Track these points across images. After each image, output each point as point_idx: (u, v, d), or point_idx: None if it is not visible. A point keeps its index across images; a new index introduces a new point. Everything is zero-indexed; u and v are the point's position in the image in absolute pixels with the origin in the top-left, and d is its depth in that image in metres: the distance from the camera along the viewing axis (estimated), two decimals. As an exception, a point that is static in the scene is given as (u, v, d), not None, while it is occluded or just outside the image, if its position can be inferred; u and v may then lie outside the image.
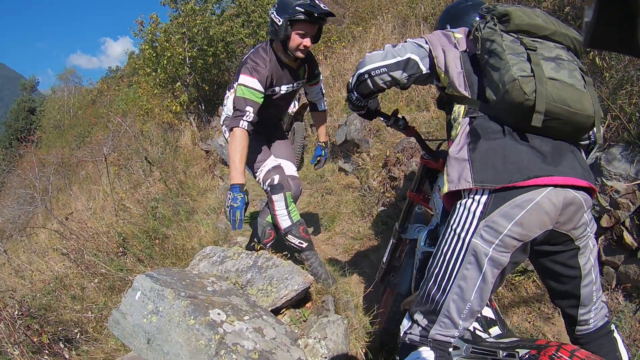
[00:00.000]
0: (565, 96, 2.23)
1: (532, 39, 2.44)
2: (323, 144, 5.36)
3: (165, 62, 12.36)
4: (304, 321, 4.05)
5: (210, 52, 13.06)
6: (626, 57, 4.47)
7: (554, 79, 2.26)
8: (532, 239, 2.32)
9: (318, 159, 5.35)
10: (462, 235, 2.38)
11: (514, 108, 2.29)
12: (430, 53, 2.74)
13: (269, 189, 4.66)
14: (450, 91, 2.68)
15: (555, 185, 2.25)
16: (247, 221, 6.15)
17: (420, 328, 2.56)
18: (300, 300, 4.19)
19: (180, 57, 12.47)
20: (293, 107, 9.77)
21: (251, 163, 4.74)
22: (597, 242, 2.88)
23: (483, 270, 2.35)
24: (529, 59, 2.32)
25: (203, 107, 13.83)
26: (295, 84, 4.80)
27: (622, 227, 3.79)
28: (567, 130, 2.35)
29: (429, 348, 2.50)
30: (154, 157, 10.73)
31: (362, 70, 2.95)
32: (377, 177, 6.82)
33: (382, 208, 6.50)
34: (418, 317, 2.58)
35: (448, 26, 2.98)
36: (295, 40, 4.32)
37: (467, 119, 2.53)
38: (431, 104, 6.89)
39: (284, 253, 4.68)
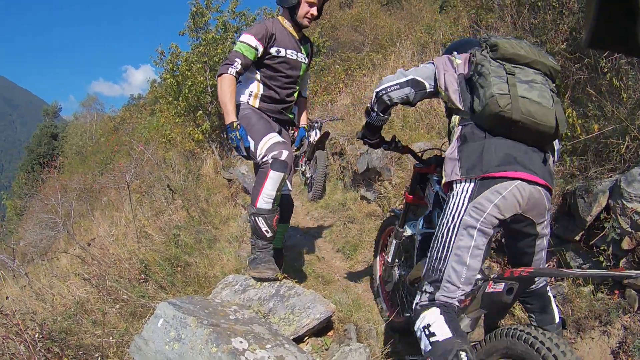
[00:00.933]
0: (533, 111, 2.90)
1: (513, 65, 3.11)
2: (305, 127, 5.59)
3: (186, 90, 12.46)
4: (326, 349, 4.07)
5: (232, 80, 12.89)
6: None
7: (525, 97, 2.93)
8: (505, 219, 2.98)
9: (302, 141, 5.58)
10: (455, 215, 3.05)
11: (492, 117, 2.96)
12: (435, 74, 3.38)
13: (270, 160, 4.45)
14: (450, 105, 3.37)
15: (524, 180, 2.92)
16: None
17: (427, 294, 3.15)
18: (322, 328, 4.22)
19: (201, 85, 12.56)
20: (315, 136, 9.77)
21: (256, 134, 4.65)
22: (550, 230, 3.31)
23: (474, 239, 2.99)
24: (507, 81, 2.99)
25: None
26: (299, 55, 4.96)
27: (644, 248, 3.78)
28: (533, 138, 3.02)
29: (435, 307, 3.04)
30: (176, 185, 10.77)
31: (379, 89, 3.56)
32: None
33: (405, 236, 6.46)
34: (426, 287, 3.18)
35: (455, 52, 3.49)
36: (304, 7, 4.72)
37: (460, 127, 3.24)
38: (451, 131, 6.93)
39: (309, 283, 4.69)
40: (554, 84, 3.23)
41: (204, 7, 13.27)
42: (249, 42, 4.60)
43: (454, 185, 3.16)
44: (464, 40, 4.16)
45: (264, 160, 4.49)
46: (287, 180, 4.75)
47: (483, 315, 3.37)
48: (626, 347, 3.74)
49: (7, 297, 6.68)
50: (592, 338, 4.00)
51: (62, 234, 12.39)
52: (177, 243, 7.26)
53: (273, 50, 4.74)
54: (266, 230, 4.60)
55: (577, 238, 4.26)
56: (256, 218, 4.56)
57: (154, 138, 17.40)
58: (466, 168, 3.07)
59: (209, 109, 13.19)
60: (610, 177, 4.13)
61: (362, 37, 17.43)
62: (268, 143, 4.54)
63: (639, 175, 3.80)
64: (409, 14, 19.66)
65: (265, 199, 4.53)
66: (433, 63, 3.47)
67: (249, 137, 4.60)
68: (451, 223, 3.08)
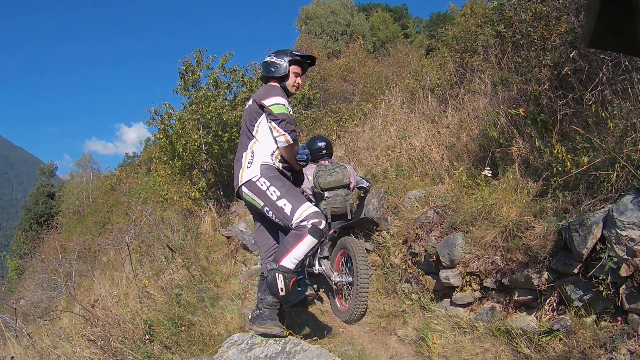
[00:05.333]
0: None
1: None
2: None
3: (181, 149, 12.48)
4: (335, 403, 4.08)
5: (226, 138, 13.08)
6: (628, 104, 4.56)
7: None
8: None
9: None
10: None
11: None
12: None
13: (310, 225, 4.58)
14: None
15: None
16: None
17: None
18: (330, 383, 4.22)
19: (196, 143, 12.53)
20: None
21: (294, 198, 4.78)
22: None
23: None
24: None
25: (222, 193, 13.90)
26: None
27: (641, 273, 3.81)
28: None
29: None
30: (176, 244, 10.76)
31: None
32: (398, 254, 6.84)
33: (406, 284, 6.52)
34: None
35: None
36: (292, 78, 5.25)
37: None
38: (445, 176, 6.98)
39: (314, 338, 4.72)
40: None
41: (195, 64, 13.35)
42: (285, 104, 4.92)
43: None
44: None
45: (302, 224, 4.60)
46: None
47: None
48: (634, 371, 3.76)
49: (12, 357, 6.69)
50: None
51: (63, 294, 12.36)
52: (180, 302, 7.27)
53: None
54: (281, 289, 4.60)
55: (576, 271, 4.27)
56: (277, 274, 4.59)
57: (150, 197, 17.41)
58: None
59: (205, 167, 13.17)
60: (603, 207, 4.17)
61: (351, 87, 17.59)
62: (309, 210, 4.69)
63: (630, 203, 3.84)
64: (396, 60, 19.89)
65: (292, 260, 4.60)
66: None
67: (284, 199, 4.73)
68: None
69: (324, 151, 7.48)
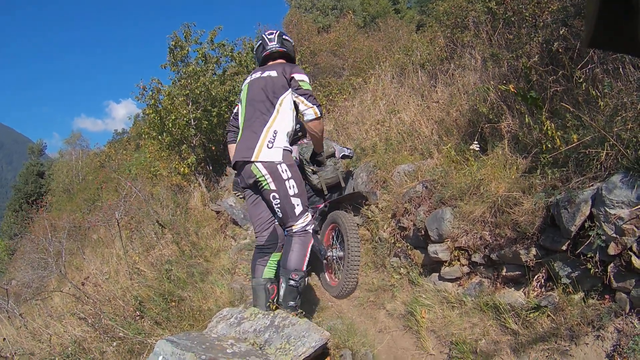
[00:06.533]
0: None
1: None
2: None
3: (170, 124, 12.48)
4: (324, 377, 4.11)
5: (215, 113, 13.07)
6: (619, 84, 4.56)
7: None
8: None
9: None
10: None
11: None
12: None
13: (312, 232, 5.08)
14: None
15: None
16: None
17: None
18: (319, 356, 4.23)
19: (185, 119, 12.56)
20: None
21: (304, 200, 5.08)
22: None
23: None
24: None
25: (211, 168, 13.89)
26: None
27: (630, 252, 3.82)
28: None
29: None
30: (165, 220, 10.75)
31: None
32: (387, 228, 6.88)
33: (395, 258, 6.55)
34: None
35: None
36: None
37: None
38: (434, 151, 6.99)
39: (302, 312, 4.75)
40: None
41: (183, 39, 13.27)
42: (310, 83, 5.20)
43: None
44: None
45: (306, 229, 5.01)
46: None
47: None
48: (621, 350, 3.77)
49: (4, 338, 6.69)
50: (587, 344, 4.03)
51: (54, 273, 12.36)
52: (170, 278, 7.27)
53: None
54: (298, 284, 4.95)
55: (564, 248, 4.28)
56: (306, 279, 5.01)
57: (140, 174, 17.36)
58: None
59: (194, 142, 13.13)
60: (592, 185, 4.17)
61: (341, 62, 17.45)
62: (310, 217, 5.13)
63: (619, 181, 3.84)
64: (386, 35, 19.75)
65: (307, 262, 4.97)
66: None
67: (299, 199, 5.01)
68: None
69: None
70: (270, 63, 5.42)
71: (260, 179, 4.92)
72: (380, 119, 9.42)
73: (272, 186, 4.89)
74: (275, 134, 4.97)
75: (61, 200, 31.08)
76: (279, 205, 4.93)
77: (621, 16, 0.96)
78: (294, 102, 5.10)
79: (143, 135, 15.16)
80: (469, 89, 7.49)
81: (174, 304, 6.44)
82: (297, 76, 5.07)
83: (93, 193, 23.28)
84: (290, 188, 4.92)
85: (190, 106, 12.70)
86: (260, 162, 4.87)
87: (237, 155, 5.02)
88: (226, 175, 12.96)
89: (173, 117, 12.28)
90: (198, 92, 12.59)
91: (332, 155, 7.40)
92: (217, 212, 11.26)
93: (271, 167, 4.87)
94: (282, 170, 4.90)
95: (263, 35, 5.54)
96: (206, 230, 10.17)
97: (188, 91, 12.59)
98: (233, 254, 8.46)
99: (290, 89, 5.09)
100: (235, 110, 5.49)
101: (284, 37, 5.48)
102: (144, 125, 16.35)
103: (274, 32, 5.50)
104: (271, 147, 4.92)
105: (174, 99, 12.81)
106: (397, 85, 10.41)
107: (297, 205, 4.96)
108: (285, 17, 25.95)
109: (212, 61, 13.84)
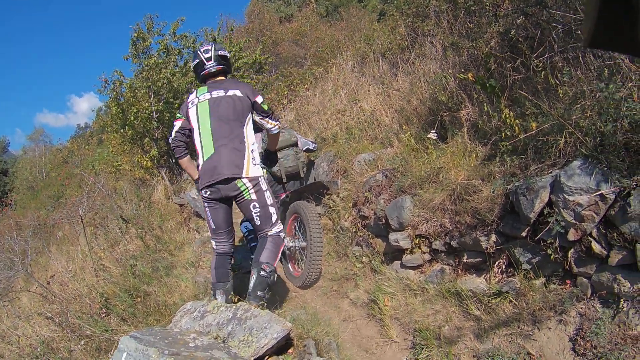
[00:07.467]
0: None
1: None
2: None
3: (132, 117, 12.26)
4: (288, 367, 4.12)
5: (177, 105, 12.83)
6: (579, 72, 4.61)
7: None
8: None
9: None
10: None
11: None
12: None
13: (283, 236, 5.53)
14: None
15: None
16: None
17: None
18: (282, 346, 4.26)
19: (147, 111, 12.34)
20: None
21: (277, 209, 5.59)
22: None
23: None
24: None
25: (173, 161, 13.51)
26: None
27: (589, 238, 3.90)
28: None
29: None
30: (129, 214, 10.65)
31: None
32: (348, 217, 6.93)
33: (357, 247, 6.58)
34: None
35: None
36: None
37: None
38: (394, 140, 7.01)
39: (253, 296, 4.80)
40: None
41: (145, 31, 13.14)
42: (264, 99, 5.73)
43: None
44: None
45: (280, 235, 5.42)
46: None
47: None
48: (583, 333, 3.84)
49: (-28, 342, 6.65)
50: (549, 328, 4.10)
51: (20, 273, 12.26)
52: (135, 273, 7.25)
53: None
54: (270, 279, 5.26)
55: (524, 234, 4.34)
56: (276, 274, 5.35)
57: (103, 168, 17.24)
58: None
59: (156, 135, 12.96)
60: (550, 173, 4.22)
61: (303, 51, 17.51)
62: (281, 224, 5.52)
63: (577, 168, 3.90)
64: (348, 24, 19.76)
65: (277, 261, 5.31)
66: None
67: (274, 208, 5.44)
68: None
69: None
70: (217, 80, 5.65)
71: (243, 191, 5.21)
72: (341, 108, 9.47)
73: (254, 197, 5.23)
74: (253, 152, 5.33)
75: (25, 198, 30.71)
76: (258, 214, 5.28)
77: (621, 16, 0.97)
78: (255, 121, 5.59)
79: (106, 129, 15.04)
80: (430, 77, 7.53)
81: (139, 299, 6.42)
82: (258, 99, 5.47)
83: (57, 190, 23.04)
84: (268, 198, 5.33)
85: (152, 98, 12.57)
86: (246, 177, 5.18)
87: (225, 171, 5.13)
88: (189, 167, 12.90)
89: (135, 110, 12.14)
90: (160, 84, 12.45)
91: (295, 144, 7.39)
92: (181, 205, 11.18)
93: (254, 180, 5.23)
94: (262, 183, 5.31)
95: (199, 53, 5.66)
96: (170, 224, 10.11)
97: (150, 83, 12.45)
98: (197, 247, 8.43)
99: (253, 111, 5.52)
100: (183, 126, 5.50)
101: (219, 52, 5.64)
102: (106, 119, 16.21)
103: (209, 48, 5.63)
104: (255, 164, 5.31)
105: (136, 91, 12.66)
106: (358, 74, 10.43)
107: (273, 213, 5.36)
108: (248, 7, 25.87)
109: (174, 53, 13.70)
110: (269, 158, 6.80)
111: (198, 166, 5.37)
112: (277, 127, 5.79)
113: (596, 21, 1.00)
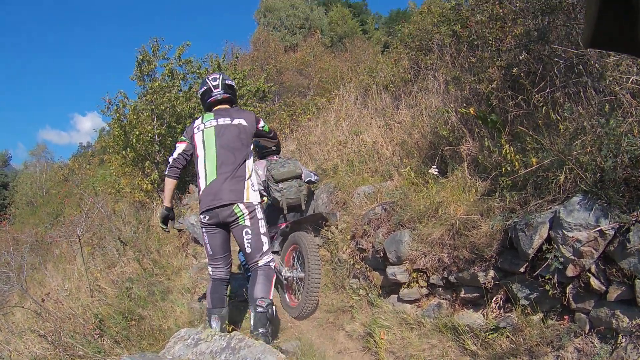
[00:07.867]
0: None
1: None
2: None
3: (134, 140, 12.35)
4: (280, 399, 4.09)
5: (179, 129, 12.83)
6: (580, 108, 4.62)
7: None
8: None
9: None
10: None
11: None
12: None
13: (274, 267, 5.57)
14: None
15: None
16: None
17: None
18: (275, 378, 4.24)
19: (149, 134, 12.48)
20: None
21: (270, 239, 5.76)
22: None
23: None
24: None
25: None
26: None
27: (588, 273, 3.88)
28: None
29: None
30: (127, 237, 10.62)
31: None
32: (346, 249, 6.90)
33: (354, 280, 6.54)
34: None
35: None
36: None
37: None
38: (395, 173, 7.02)
39: (255, 334, 4.77)
40: None
41: (151, 54, 13.20)
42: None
43: None
44: None
45: (270, 265, 5.47)
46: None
47: None
48: (581, 369, 3.83)
49: (-35, 356, 6.63)
50: (535, 365, 4.09)
51: (15, 288, 12.22)
52: (130, 296, 7.23)
53: None
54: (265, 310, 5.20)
55: (522, 270, 4.34)
56: (274, 307, 5.34)
57: (103, 189, 17.23)
58: None
59: (157, 158, 13.00)
60: (550, 208, 4.22)
61: (307, 81, 17.56)
62: (272, 255, 5.59)
63: (577, 204, 3.91)
64: (352, 55, 19.89)
65: (272, 293, 5.32)
66: None
67: (266, 237, 5.56)
68: None
69: (273, 147, 7.53)
70: (222, 107, 5.80)
71: (239, 217, 5.31)
72: (343, 139, 9.49)
73: (248, 222, 5.32)
74: (252, 179, 5.50)
75: (24, 213, 30.66)
76: (250, 241, 5.34)
77: (621, 16, 0.97)
78: (259, 141, 6.16)
79: (108, 150, 15.05)
80: (431, 111, 7.55)
81: (134, 322, 6.40)
82: (260, 124, 5.85)
83: (56, 207, 23.01)
84: (261, 227, 5.43)
85: (155, 122, 12.58)
86: (244, 202, 5.31)
87: (225, 197, 5.27)
88: (189, 193, 12.85)
89: (137, 133, 12.16)
90: (163, 107, 12.51)
91: (299, 176, 7.41)
92: (179, 230, 11.14)
93: (251, 206, 5.36)
94: (257, 211, 5.44)
95: (207, 80, 5.85)
96: (168, 249, 10.07)
97: (153, 106, 12.48)
98: (194, 272, 8.41)
99: (256, 137, 5.88)
100: (186, 149, 5.62)
101: (226, 82, 5.83)
102: (108, 139, 16.22)
103: (217, 77, 5.83)
104: (255, 191, 5.49)
105: (140, 113, 12.69)
106: (361, 106, 10.50)
107: (265, 242, 5.44)
108: (253, 35, 26.00)
109: (179, 77, 13.75)
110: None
111: (199, 190, 5.45)
112: (279, 141, 6.28)
113: (596, 21, 1.00)
